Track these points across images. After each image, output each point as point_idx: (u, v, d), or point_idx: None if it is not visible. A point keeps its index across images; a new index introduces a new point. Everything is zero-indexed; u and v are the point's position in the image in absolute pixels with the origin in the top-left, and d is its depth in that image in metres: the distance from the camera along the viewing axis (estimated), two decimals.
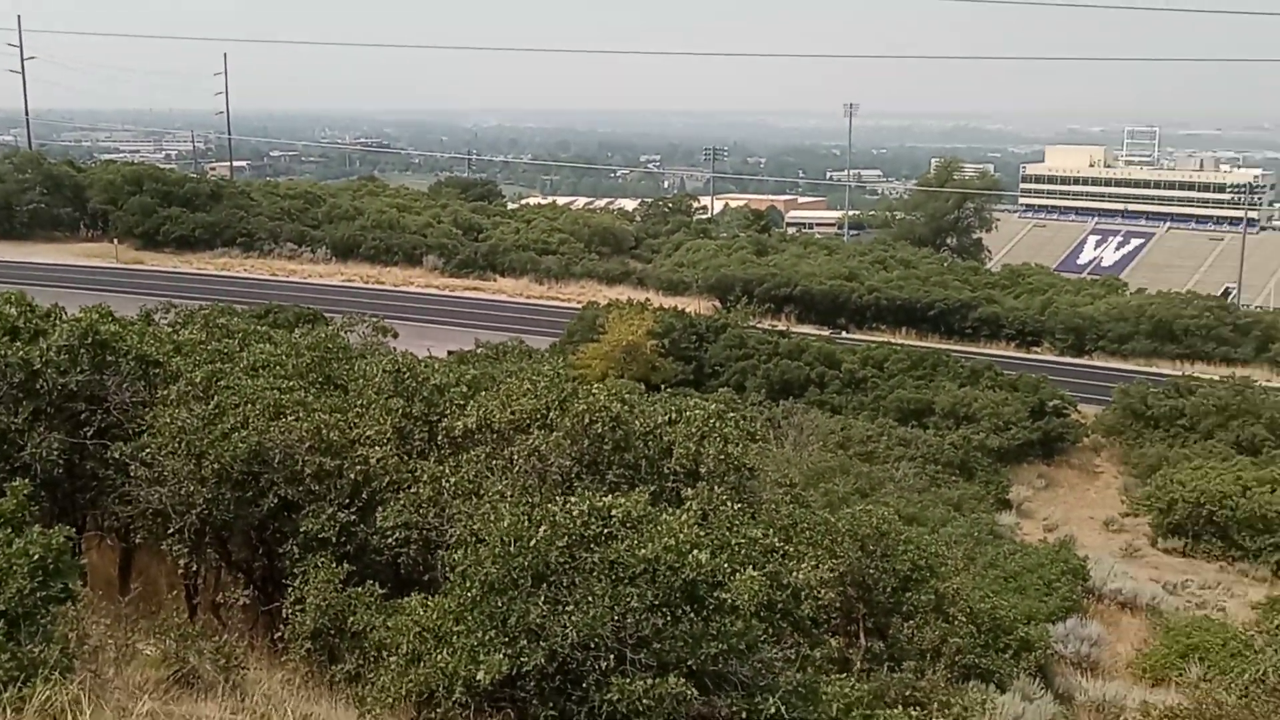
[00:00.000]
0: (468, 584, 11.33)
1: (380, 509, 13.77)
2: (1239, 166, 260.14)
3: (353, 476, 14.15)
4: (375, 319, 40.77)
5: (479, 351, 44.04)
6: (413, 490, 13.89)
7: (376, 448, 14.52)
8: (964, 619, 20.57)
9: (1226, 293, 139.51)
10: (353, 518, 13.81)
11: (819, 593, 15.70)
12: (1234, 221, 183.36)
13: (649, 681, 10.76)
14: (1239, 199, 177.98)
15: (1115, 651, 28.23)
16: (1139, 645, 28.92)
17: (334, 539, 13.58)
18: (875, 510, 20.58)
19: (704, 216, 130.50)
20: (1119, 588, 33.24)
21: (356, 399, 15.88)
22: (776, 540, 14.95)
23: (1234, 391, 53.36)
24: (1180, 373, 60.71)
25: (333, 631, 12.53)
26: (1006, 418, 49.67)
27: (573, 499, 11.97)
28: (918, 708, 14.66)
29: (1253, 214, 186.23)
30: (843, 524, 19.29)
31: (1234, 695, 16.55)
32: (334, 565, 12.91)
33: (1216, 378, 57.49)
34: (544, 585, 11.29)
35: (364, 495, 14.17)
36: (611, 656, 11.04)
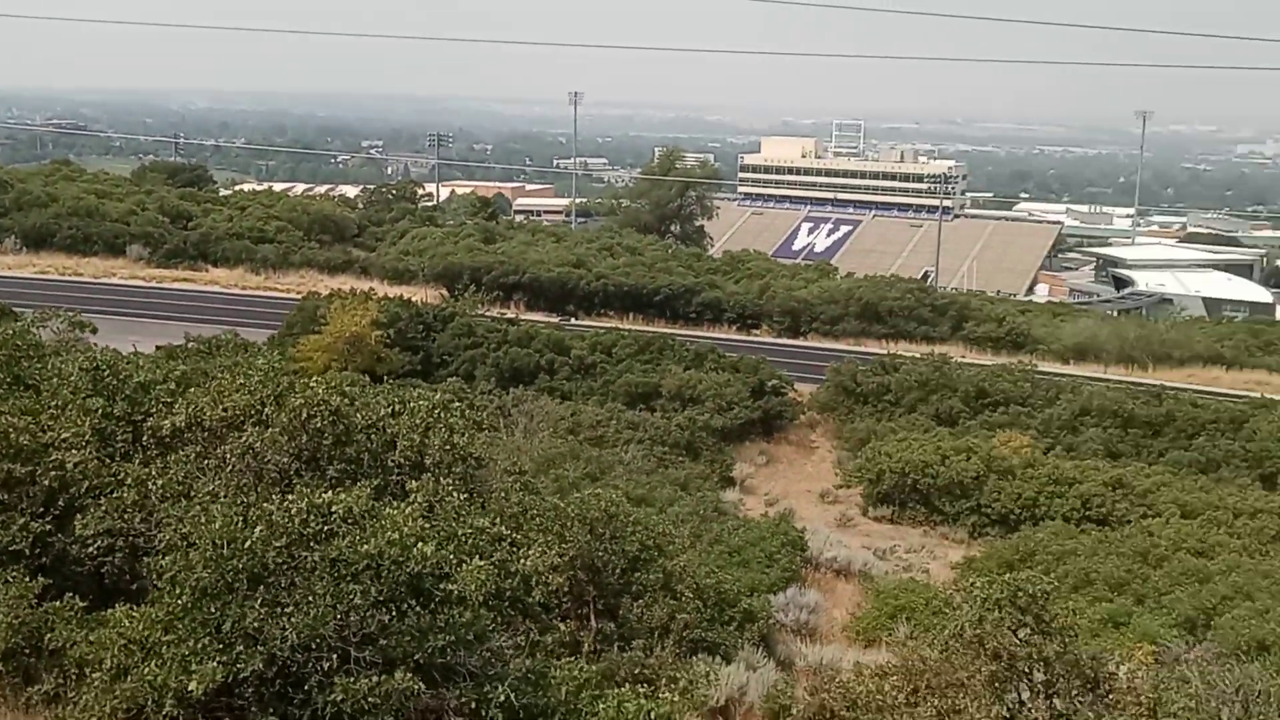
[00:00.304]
0: (178, 590, 10.79)
1: (80, 516, 12.87)
2: (935, 158, 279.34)
3: (47, 483, 13.17)
4: (72, 313, 37.97)
5: (190, 346, 41.73)
6: (116, 495, 13.06)
7: (74, 451, 13.56)
8: (691, 595, 21.17)
9: (926, 276, 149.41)
10: (48, 527, 12.87)
11: (548, 578, 15.79)
12: (931, 209, 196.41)
13: (374, 679, 10.56)
14: (935, 188, 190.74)
15: (832, 617, 29.66)
16: (853, 609, 30.49)
17: (27, 551, 12.62)
18: (604, 493, 20.87)
19: (430, 204, 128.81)
20: (834, 556, 34.93)
21: (50, 400, 14.75)
22: (505, 529, 14.93)
23: (933, 368, 57.18)
24: (886, 351, 64.43)
25: (28, 650, 11.65)
26: (729, 398, 51.43)
27: (291, 497, 11.60)
28: (646, 684, 14.98)
29: (947, 202, 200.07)
30: (572, 509, 19.45)
31: (936, 650, 17.56)
32: (27, 579, 11.99)
33: (918, 355, 61.30)
34: (261, 587, 10.88)
35: (61, 502, 13.21)
36: (335, 656, 10.77)
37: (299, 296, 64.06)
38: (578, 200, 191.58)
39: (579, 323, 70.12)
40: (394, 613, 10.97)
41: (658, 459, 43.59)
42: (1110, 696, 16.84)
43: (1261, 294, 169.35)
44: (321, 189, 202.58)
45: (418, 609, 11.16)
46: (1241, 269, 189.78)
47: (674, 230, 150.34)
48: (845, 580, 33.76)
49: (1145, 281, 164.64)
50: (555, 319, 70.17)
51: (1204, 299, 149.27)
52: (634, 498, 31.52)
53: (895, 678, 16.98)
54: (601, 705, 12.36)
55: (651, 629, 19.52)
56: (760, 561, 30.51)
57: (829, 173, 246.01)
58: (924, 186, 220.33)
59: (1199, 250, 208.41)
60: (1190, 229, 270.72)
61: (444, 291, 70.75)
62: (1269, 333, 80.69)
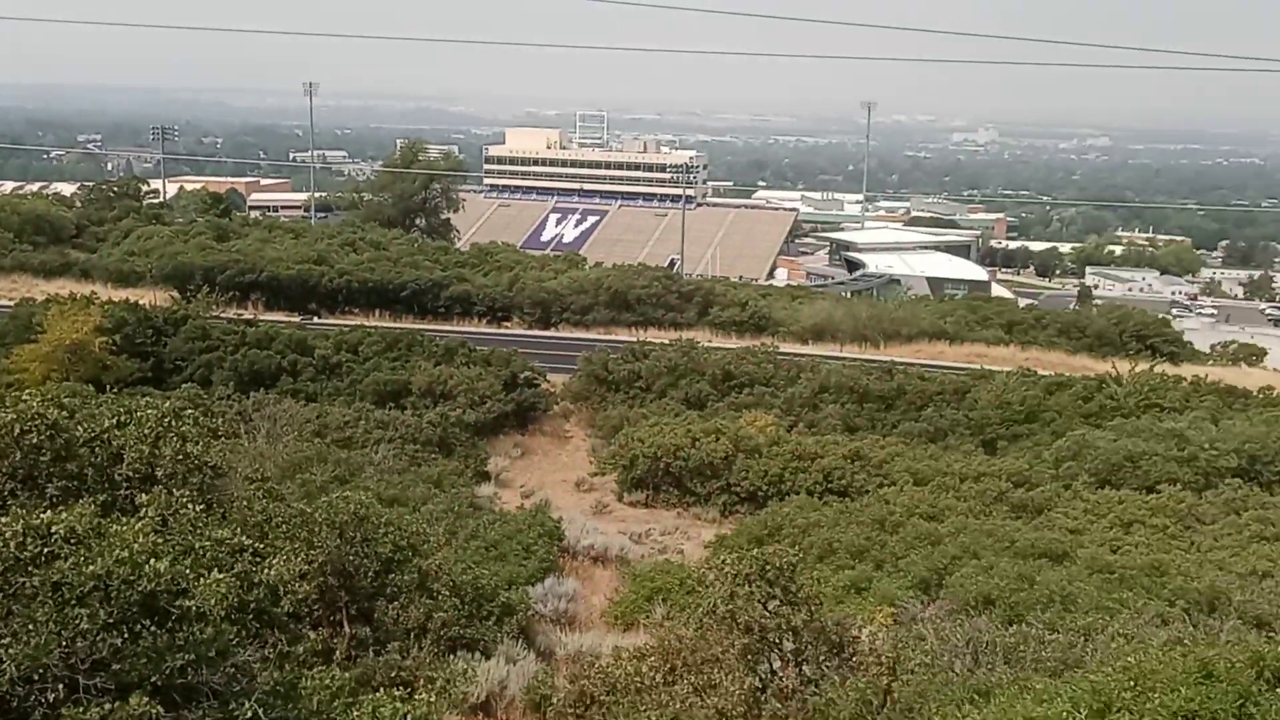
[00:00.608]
0: None
1: None
2: (677, 148, 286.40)
3: None
4: None
5: None
6: None
7: None
8: (448, 593, 20.97)
9: (672, 263, 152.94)
10: None
11: (296, 587, 15.24)
12: (675, 198, 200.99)
13: (107, 707, 9.94)
14: (678, 177, 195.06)
15: (590, 604, 29.93)
16: (610, 595, 30.87)
17: None
18: (354, 496, 20.39)
19: (156, 201, 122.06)
20: (591, 543, 35.25)
21: None
22: (248, 539, 14.32)
23: (681, 353, 58.53)
24: (635, 338, 65.47)
25: None
26: (482, 392, 51.07)
27: (4, 519, 10.76)
28: (403, 687, 14.69)
29: (690, 191, 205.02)
30: (320, 513, 18.92)
31: (691, 629, 18.00)
32: None
33: (666, 341, 62.54)
34: None
35: None
36: (61, 686, 10.07)
37: (11, 304, 59.60)
38: (317, 195, 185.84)
39: (322, 321, 68.16)
40: (127, 635, 10.34)
41: (410, 457, 42.84)
42: (854, 659, 17.69)
43: (978, 272, 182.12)
44: (33, 187, 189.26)
45: (153, 629, 10.56)
46: (960, 249, 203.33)
47: (419, 224, 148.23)
48: (603, 566, 34.11)
49: (875, 263, 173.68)
50: (297, 318, 67.96)
51: (928, 279, 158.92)
52: (386, 498, 30.96)
53: (653, 658, 17.34)
54: (355, 712, 12.05)
55: (408, 630, 19.24)
56: (517, 554, 30.47)
57: (575, 163, 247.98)
58: (667, 176, 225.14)
59: (922, 233, 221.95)
60: (914, 213, 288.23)
61: (175, 293, 67.31)
62: (985, 308, 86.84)
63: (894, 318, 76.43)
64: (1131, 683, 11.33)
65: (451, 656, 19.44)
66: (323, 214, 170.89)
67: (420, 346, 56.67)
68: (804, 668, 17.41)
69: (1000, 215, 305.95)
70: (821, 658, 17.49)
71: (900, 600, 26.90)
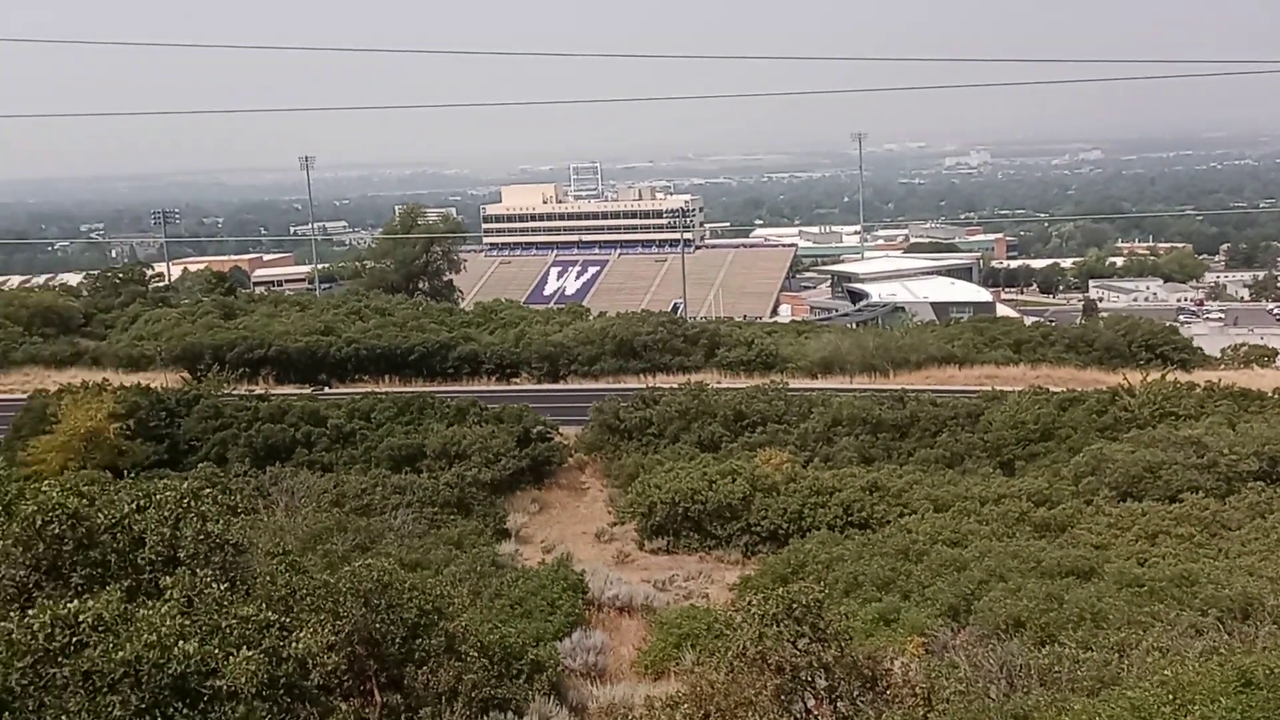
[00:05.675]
0: None
1: None
2: (671, 193, 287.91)
3: None
4: None
5: None
6: None
7: None
8: (476, 654, 20.86)
9: (675, 308, 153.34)
10: None
11: (324, 659, 15.21)
12: (673, 243, 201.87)
13: None
14: (675, 222, 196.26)
15: (619, 655, 29.74)
16: (639, 644, 30.68)
17: None
18: (376, 563, 20.35)
19: (161, 284, 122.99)
20: (616, 594, 35.08)
21: None
22: (273, 614, 14.35)
23: (691, 396, 58.48)
24: (645, 385, 65.44)
25: None
26: (496, 450, 51.06)
27: (32, 611, 10.80)
28: None
29: (688, 235, 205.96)
30: (344, 583, 18.88)
31: (722, 673, 17.89)
32: None
33: (676, 385, 62.52)
34: (5, 714, 10.04)
35: None
36: None
37: (25, 396, 59.90)
38: (320, 266, 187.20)
39: (333, 391, 68.33)
40: (159, 719, 10.35)
41: (429, 520, 42.80)
42: (888, 692, 17.56)
43: (982, 294, 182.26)
44: (40, 279, 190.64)
45: (185, 711, 10.58)
46: (961, 272, 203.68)
47: (422, 287, 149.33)
48: (629, 616, 33.92)
49: (878, 293, 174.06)
50: (308, 390, 68.13)
51: (932, 303, 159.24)
52: (408, 563, 30.88)
53: (686, 706, 17.23)
54: None
55: (439, 694, 19.14)
56: (543, 610, 30.35)
57: (572, 216, 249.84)
58: (664, 222, 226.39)
59: (922, 259, 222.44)
60: (913, 239, 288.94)
61: (185, 374, 67.65)
62: (992, 329, 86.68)
63: (901, 345, 76.30)
64: (1170, 696, 11.25)
65: (484, 718, 19.32)
66: (327, 285, 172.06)
67: (432, 409, 56.75)
68: (838, 704, 17.28)
69: (999, 235, 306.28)
70: (855, 693, 17.37)
71: (930, 629, 26.67)
